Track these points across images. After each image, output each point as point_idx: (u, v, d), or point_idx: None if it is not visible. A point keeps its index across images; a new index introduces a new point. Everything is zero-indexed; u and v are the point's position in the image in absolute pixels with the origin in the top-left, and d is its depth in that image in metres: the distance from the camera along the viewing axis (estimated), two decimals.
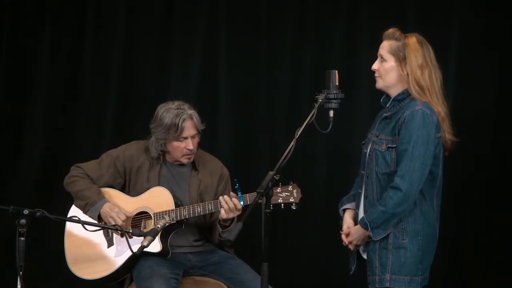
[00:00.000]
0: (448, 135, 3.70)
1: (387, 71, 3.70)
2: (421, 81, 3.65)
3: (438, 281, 5.11)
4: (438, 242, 3.77)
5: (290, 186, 4.03)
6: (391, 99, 3.73)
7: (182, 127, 4.17)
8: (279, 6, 5.43)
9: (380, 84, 3.75)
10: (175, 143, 4.22)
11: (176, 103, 4.24)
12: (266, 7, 5.43)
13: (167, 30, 5.53)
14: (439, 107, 3.67)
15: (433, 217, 3.71)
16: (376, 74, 3.74)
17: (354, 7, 5.32)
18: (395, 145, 3.64)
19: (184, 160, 4.27)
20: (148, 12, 5.54)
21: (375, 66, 3.74)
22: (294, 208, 3.99)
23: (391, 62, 3.69)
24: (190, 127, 4.20)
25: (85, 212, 4.23)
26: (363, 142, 3.86)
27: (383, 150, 3.67)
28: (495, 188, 5.14)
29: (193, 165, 4.34)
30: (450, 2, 5.20)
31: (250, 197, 4.04)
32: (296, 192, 4.03)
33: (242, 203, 4.06)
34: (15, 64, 5.61)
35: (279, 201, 3.99)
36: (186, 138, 4.20)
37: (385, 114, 3.76)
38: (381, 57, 3.71)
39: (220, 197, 4.10)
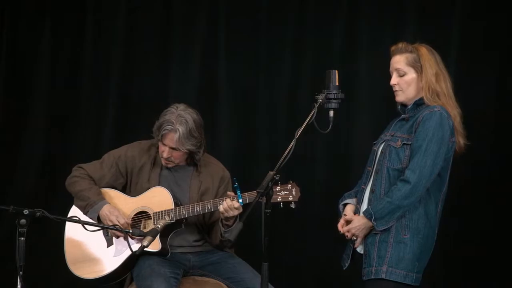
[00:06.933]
0: (461, 138, 3.79)
1: (409, 83, 3.79)
2: (437, 88, 3.74)
3: (438, 281, 5.12)
4: (438, 242, 3.78)
5: (289, 185, 4.02)
6: (412, 104, 3.79)
7: (162, 133, 4.15)
8: (279, 6, 5.43)
9: (401, 97, 3.82)
10: (159, 143, 4.22)
11: (182, 112, 4.16)
12: (266, 7, 5.44)
13: (167, 30, 5.53)
14: (454, 111, 3.77)
15: (435, 221, 3.77)
16: (396, 88, 3.81)
17: (354, 7, 5.32)
18: (410, 143, 3.71)
19: (162, 162, 4.27)
20: (148, 12, 5.54)
21: (394, 81, 3.81)
22: (293, 207, 3.96)
23: (411, 74, 3.78)
24: (169, 138, 4.16)
25: (85, 213, 4.23)
26: (374, 142, 3.92)
27: (397, 147, 3.74)
28: (495, 188, 5.14)
29: (195, 167, 4.34)
30: (450, 2, 5.21)
31: (249, 196, 4.03)
32: (295, 191, 4.01)
33: (241, 201, 4.05)
34: (15, 64, 5.61)
35: (278, 199, 3.97)
36: (165, 145, 4.20)
37: (402, 116, 3.85)
38: (399, 71, 3.78)
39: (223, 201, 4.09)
